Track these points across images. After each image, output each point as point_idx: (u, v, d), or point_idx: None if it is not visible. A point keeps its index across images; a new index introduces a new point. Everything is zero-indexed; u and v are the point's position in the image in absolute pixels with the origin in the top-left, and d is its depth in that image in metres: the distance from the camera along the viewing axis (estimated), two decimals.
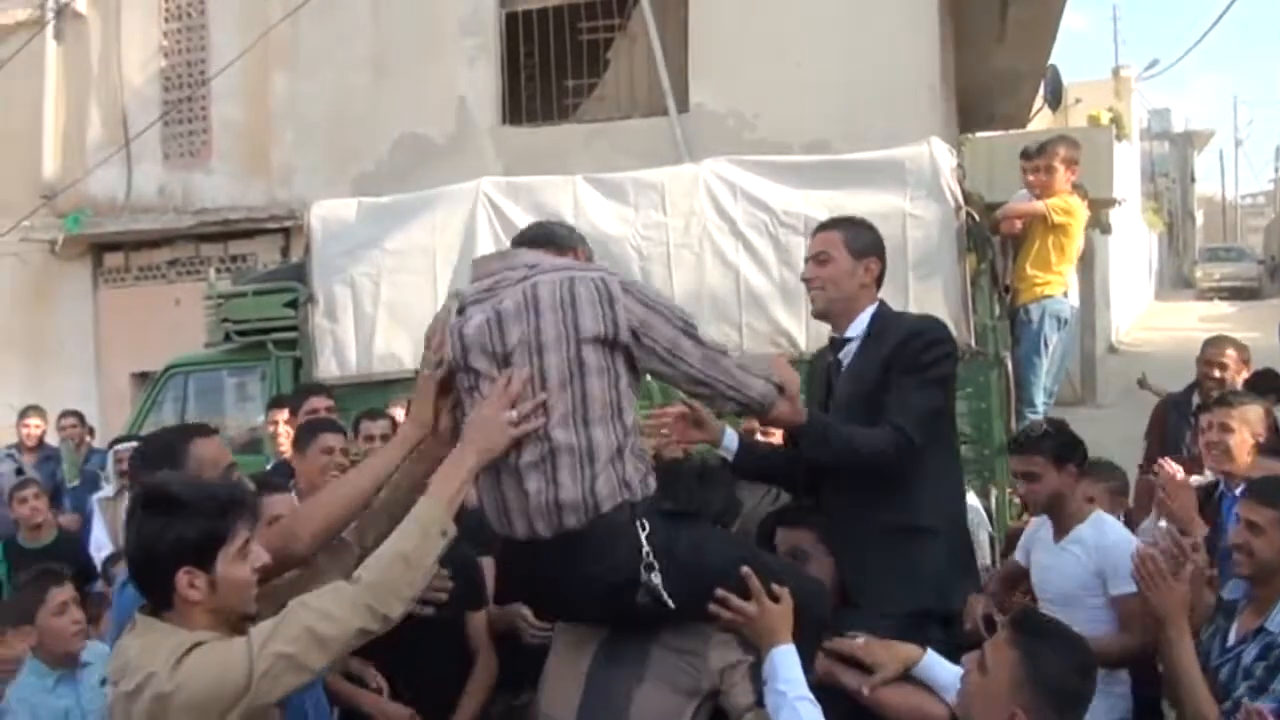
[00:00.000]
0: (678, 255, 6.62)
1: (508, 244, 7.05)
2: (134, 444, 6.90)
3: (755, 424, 4.27)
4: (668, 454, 3.54)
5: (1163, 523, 4.28)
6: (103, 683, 3.85)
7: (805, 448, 3.09)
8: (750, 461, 3.49)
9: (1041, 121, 17.26)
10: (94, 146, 13.18)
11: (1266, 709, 2.85)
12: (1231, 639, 3.19)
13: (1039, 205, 6.35)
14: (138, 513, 2.38)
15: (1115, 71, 34.10)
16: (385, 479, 2.77)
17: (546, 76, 11.77)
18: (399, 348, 7.14)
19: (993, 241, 6.44)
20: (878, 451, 3.11)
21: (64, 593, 4.25)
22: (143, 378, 11.45)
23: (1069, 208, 6.37)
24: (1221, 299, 32.70)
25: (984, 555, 5.67)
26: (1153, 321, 27.56)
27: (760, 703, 2.67)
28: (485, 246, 6.92)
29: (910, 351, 3.22)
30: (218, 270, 9.93)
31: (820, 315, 3.49)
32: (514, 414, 2.60)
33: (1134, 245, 27.77)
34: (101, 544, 6.66)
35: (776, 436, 3.88)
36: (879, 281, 3.43)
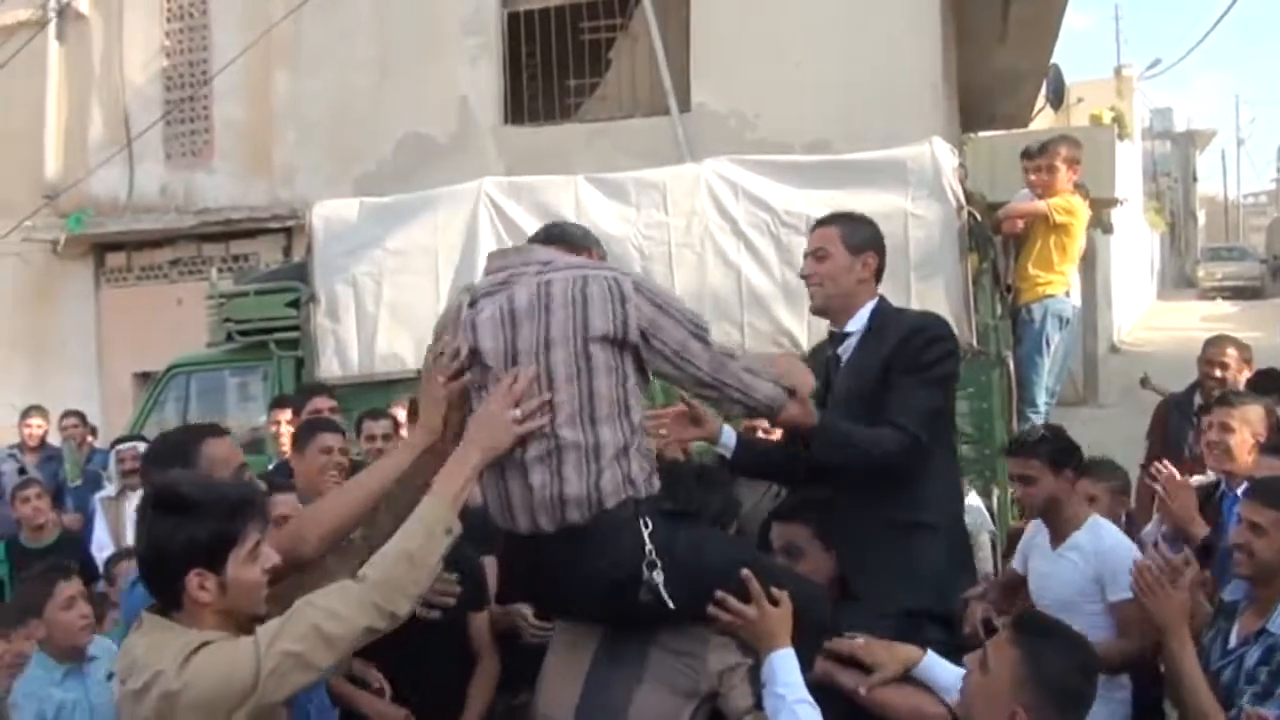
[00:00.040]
0: (679, 255, 6.63)
1: (509, 244, 7.11)
2: (135, 443, 6.95)
3: (757, 423, 4.28)
4: (668, 454, 3.54)
5: (1163, 527, 4.29)
6: (109, 677, 3.87)
7: (816, 450, 3.08)
8: (749, 459, 3.49)
9: (1043, 121, 17.25)
10: (96, 146, 13.19)
11: (1271, 715, 2.85)
12: (1233, 641, 3.18)
13: (1041, 205, 6.35)
14: (149, 513, 2.38)
15: (1117, 71, 34.08)
16: (393, 482, 2.76)
17: (548, 76, 11.77)
18: (401, 347, 7.16)
19: (994, 241, 6.45)
20: (887, 453, 3.11)
21: (72, 587, 4.26)
22: (145, 377, 11.48)
23: (1071, 207, 6.37)
24: (1224, 298, 32.65)
25: (985, 555, 5.68)
26: (1155, 321, 27.54)
27: (759, 706, 2.67)
28: (487, 246, 6.92)
29: (912, 349, 3.22)
30: (220, 270, 9.90)
31: (819, 311, 3.49)
32: (517, 412, 2.60)
33: (1136, 245, 27.74)
34: (103, 544, 6.66)
35: (777, 434, 3.88)
36: (878, 276, 3.43)
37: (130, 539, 6.49)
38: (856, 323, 3.36)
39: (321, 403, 5.93)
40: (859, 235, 3.40)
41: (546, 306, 2.64)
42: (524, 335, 2.65)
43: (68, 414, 9.11)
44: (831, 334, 3.45)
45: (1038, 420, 6.23)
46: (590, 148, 10.75)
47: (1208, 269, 36.83)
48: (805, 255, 3.48)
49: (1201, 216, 54.03)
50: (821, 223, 3.52)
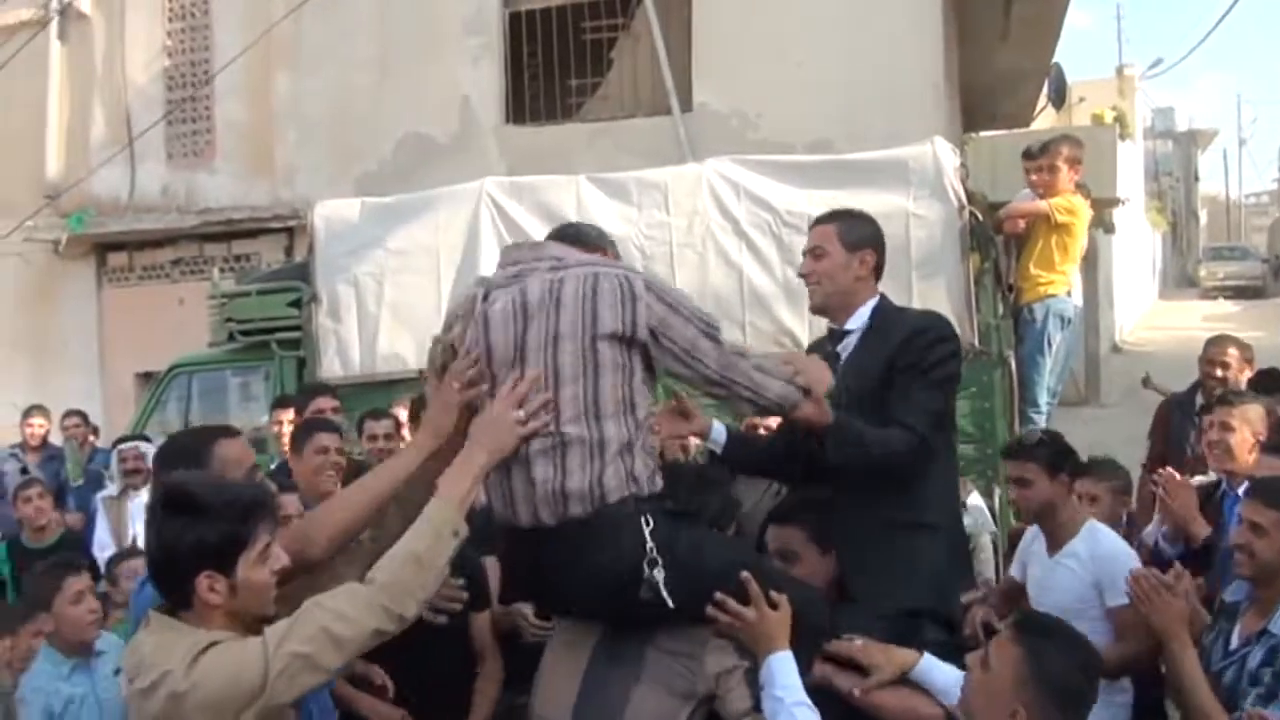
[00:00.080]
0: (681, 255, 6.63)
1: (511, 243, 7.11)
2: (137, 443, 6.96)
3: (757, 421, 4.28)
4: (669, 455, 3.54)
5: (1163, 528, 4.29)
6: (116, 672, 3.89)
7: (830, 449, 3.06)
8: (740, 453, 3.50)
9: (1045, 120, 17.24)
10: (98, 146, 13.20)
11: (1273, 717, 2.85)
12: (1234, 642, 3.17)
13: (1042, 205, 6.34)
14: (159, 514, 2.38)
15: (1119, 70, 34.05)
16: (401, 484, 2.77)
17: (550, 76, 11.77)
18: (402, 347, 7.17)
19: (996, 241, 6.45)
20: (897, 453, 3.11)
21: (80, 581, 4.29)
22: (147, 377, 11.49)
23: (1072, 207, 6.36)
24: (1226, 298, 32.64)
25: (987, 557, 5.68)
26: (1156, 321, 27.52)
27: (756, 708, 2.66)
28: (489, 246, 6.93)
29: (916, 349, 3.20)
30: (221, 270, 9.91)
31: (817, 310, 3.48)
32: (521, 413, 2.61)
33: (1138, 244, 27.72)
34: (105, 544, 6.66)
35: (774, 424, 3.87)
36: (878, 273, 3.40)
37: (132, 539, 6.51)
38: (856, 321, 3.34)
39: (325, 402, 5.94)
40: (855, 233, 3.38)
41: (557, 302, 2.65)
42: (534, 330, 2.66)
43: (69, 414, 9.11)
44: (831, 331, 3.43)
45: (1040, 420, 6.23)
46: (592, 147, 10.76)
47: (1209, 269, 36.78)
48: (803, 253, 3.47)
49: (1203, 216, 53.98)
50: (819, 221, 3.51)
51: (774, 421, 3.85)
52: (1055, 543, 3.84)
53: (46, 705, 4.04)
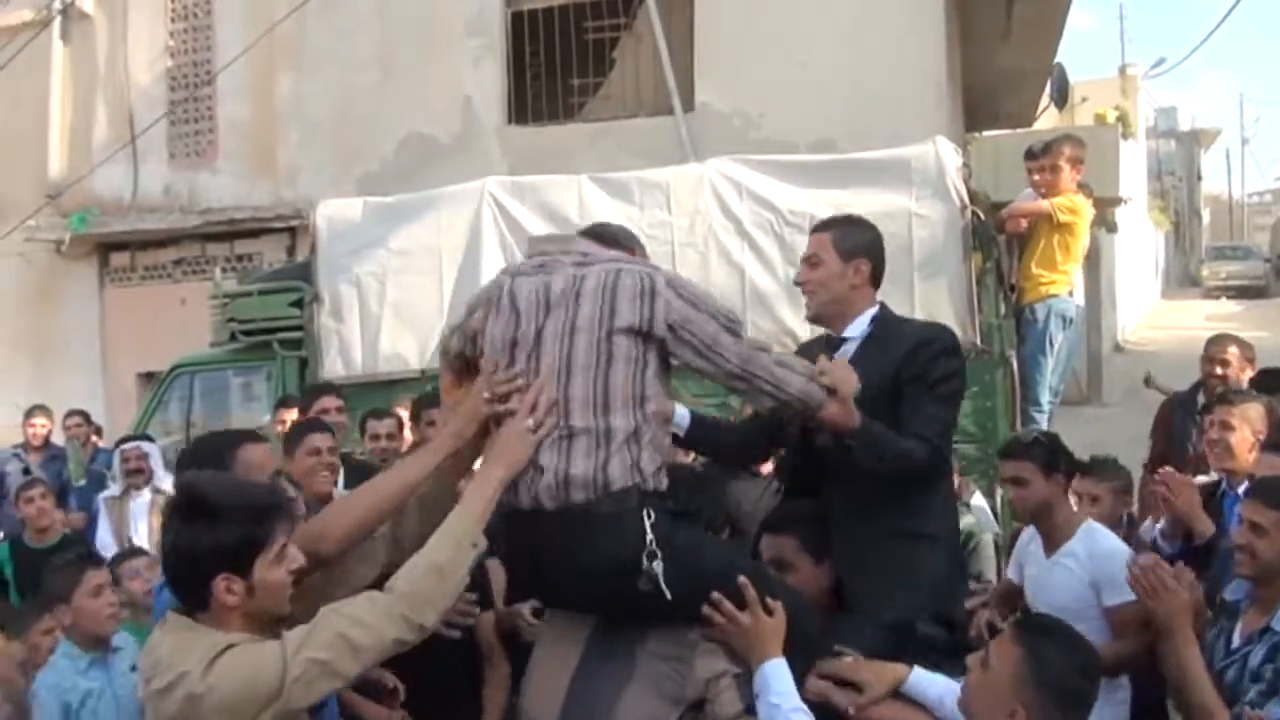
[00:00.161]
0: (683, 254, 6.63)
1: (513, 244, 7.12)
2: (139, 443, 6.97)
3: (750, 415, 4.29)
4: (671, 457, 3.54)
5: (1160, 525, 4.29)
6: (132, 669, 3.90)
7: (857, 452, 3.04)
8: (701, 435, 3.51)
9: (1047, 120, 17.25)
10: (100, 146, 13.21)
11: (1275, 714, 2.85)
12: (1236, 640, 3.18)
13: (1044, 204, 6.34)
14: (175, 517, 2.38)
15: (1121, 70, 33.99)
16: (417, 485, 2.78)
17: (552, 76, 11.77)
18: (404, 347, 7.17)
19: (998, 240, 6.44)
20: (920, 462, 3.11)
21: (100, 576, 4.30)
22: (149, 377, 11.49)
23: (1074, 207, 6.36)
24: (1228, 297, 32.62)
25: (989, 556, 5.68)
26: (1159, 320, 27.51)
27: (746, 712, 2.65)
28: (490, 246, 6.94)
29: (922, 361, 3.20)
30: (223, 270, 9.94)
31: (814, 318, 3.47)
32: (531, 422, 2.63)
33: (1140, 244, 27.71)
34: (107, 544, 6.67)
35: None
36: (876, 282, 3.39)
37: (134, 539, 6.52)
38: (855, 329, 3.33)
39: (329, 402, 5.94)
40: (850, 241, 3.36)
41: (578, 295, 2.68)
42: (552, 321, 2.69)
43: (72, 414, 9.13)
44: (828, 338, 3.41)
45: (1042, 420, 6.23)
46: (594, 147, 10.76)
47: (1212, 268, 36.71)
48: (801, 261, 3.47)
49: (1206, 215, 53.90)
50: (817, 228, 3.50)
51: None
52: (1052, 543, 3.84)
53: (64, 700, 4.05)
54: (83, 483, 8.41)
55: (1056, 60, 14.31)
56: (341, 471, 5.03)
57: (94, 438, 9.22)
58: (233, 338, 7.97)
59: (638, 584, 2.59)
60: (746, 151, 7.40)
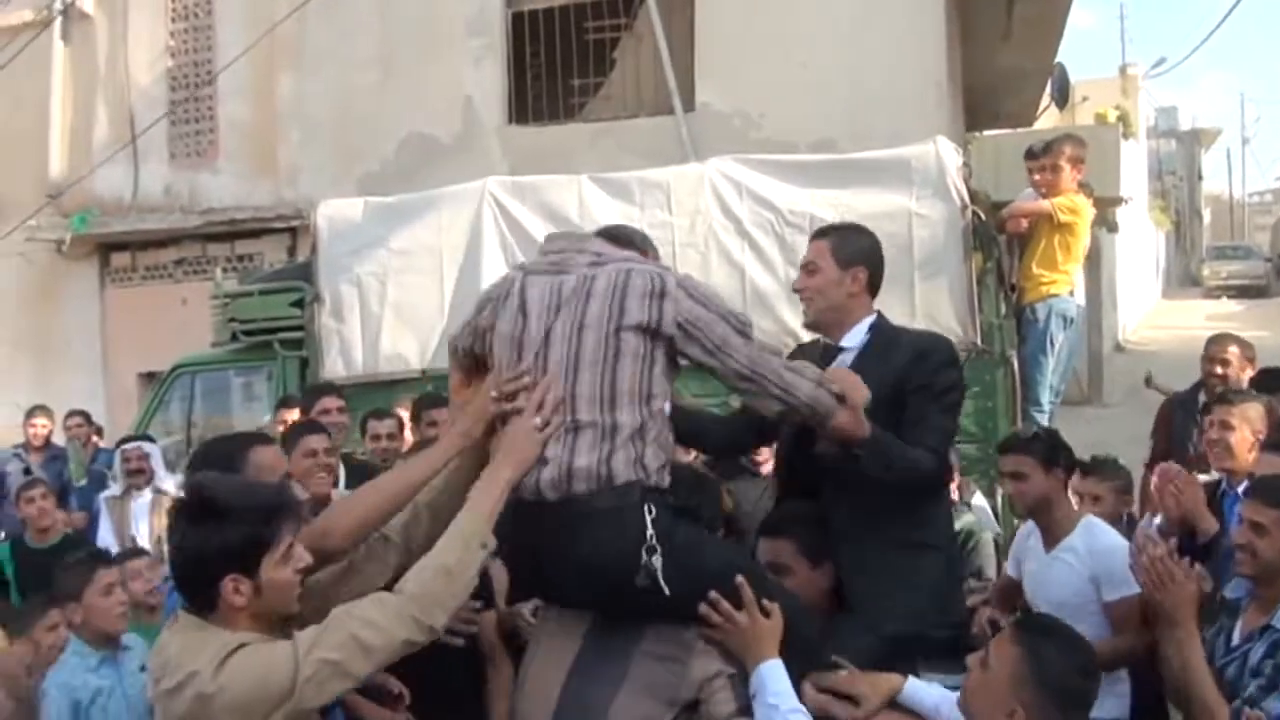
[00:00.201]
0: (683, 254, 6.62)
1: (514, 244, 7.11)
2: (140, 443, 6.97)
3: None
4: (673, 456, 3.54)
5: (1157, 520, 4.29)
6: (142, 668, 3.91)
7: (865, 462, 3.03)
8: (680, 418, 3.50)
9: (1048, 120, 17.24)
10: (100, 146, 13.22)
11: (1274, 712, 2.85)
12: (1236, 638, 3.18)
13: (1045, 204, 6.34)
14: (181, 518, 2.39)
15: (1122, 69, 33.99)
16: (423, 483, 2.79)
17: (552, 76, 11.78)
18: (405, 348, 7.17)
19: (999, 240, 6.44)
20: (927, 472, 3.13)
21: (111, 574, 4.33)
22: (149, 377, 11.50)
23: (1075, 206, 6.36)
24: (1229, 297, 32.62)
25: (990, 554, 5.68)
26: (1160, 320, 27.51)
27: (741, 713, 2.64)
28: (491, 246, 6.94)
29: (924, 372, 3.21)
30: (224, 270, 9.94)
31: (811, 326, 3.47)
32: (538, 420, 2.64)
33: (1141, 244, 27.71)
34: (107, 544, 6.65)
35: (767, 467, 3.88)
36: (874, 290, 3.38)
37: (135, 539, 6.52)
38: (852, 339, 3.33)
39: (330, 402, 5.94)
40: (848, 249, 3.35)
41: (588, 294, 2.70)
42: (562, 319, 2.70)
43: (72, 414, 9.13)
44: (826, 347, 3.40)
45: (1042, 419, 6.23)
46: (594, 147, 10.76)
47: (1213, 268, 36.71)
48: (799, 268, 3.47)
49: (1206, 215, 53.90)
50: (815, 235, 3.51)
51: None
52: (1051, 538, 3.85)
53: (74, 698, 4.06)
54: (83, 483, 8.42)
55: (1057, 60, 14.32)
56: (342, 471, 5.04)
57: (95, 438, 9.22)
58: (234, 338, 7.97)
59: (636, 579, 2.59)
60: (747, 151, 7.40)
